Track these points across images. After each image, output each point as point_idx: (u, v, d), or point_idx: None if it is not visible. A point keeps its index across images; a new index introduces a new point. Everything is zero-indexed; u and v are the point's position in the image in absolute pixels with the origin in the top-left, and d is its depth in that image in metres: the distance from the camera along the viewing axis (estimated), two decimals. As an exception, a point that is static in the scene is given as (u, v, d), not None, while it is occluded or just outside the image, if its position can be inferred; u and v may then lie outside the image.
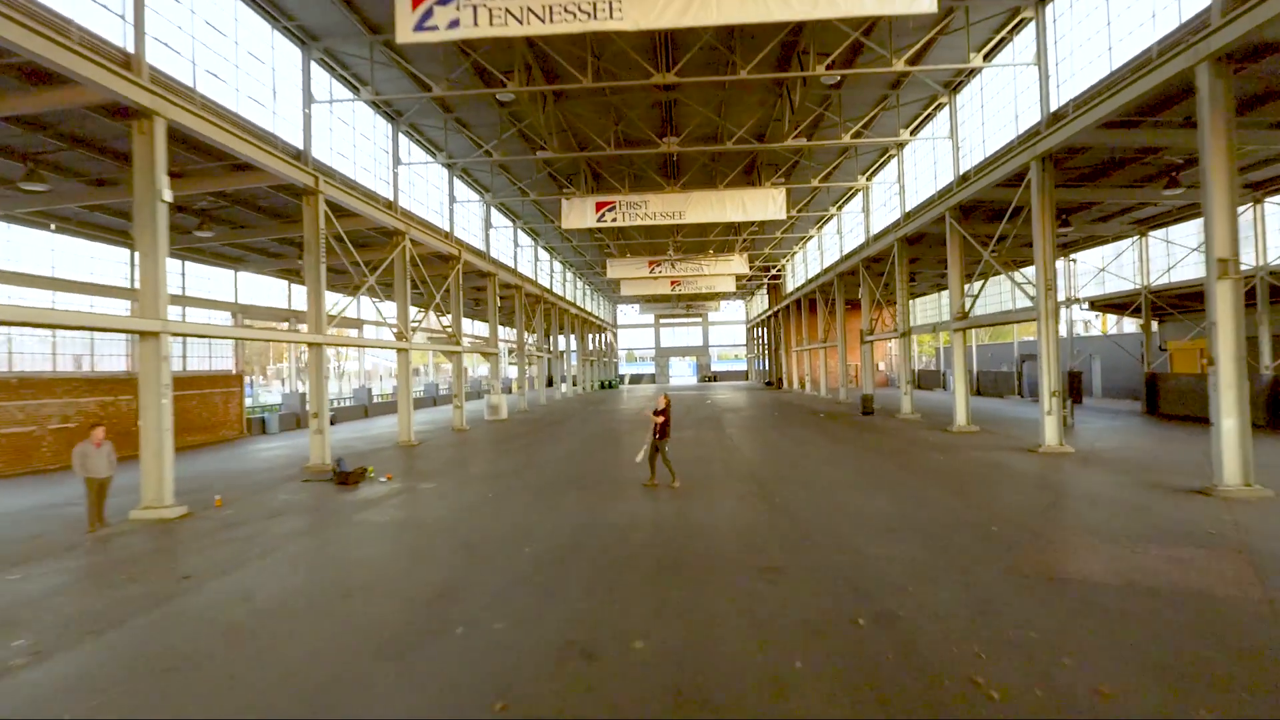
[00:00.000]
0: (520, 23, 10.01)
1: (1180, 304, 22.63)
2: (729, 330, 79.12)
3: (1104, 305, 25.82)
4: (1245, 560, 6.70)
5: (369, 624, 5.71)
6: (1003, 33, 17.15)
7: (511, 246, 34.81)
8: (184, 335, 11.36)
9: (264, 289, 27.44)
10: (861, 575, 6.51)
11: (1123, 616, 5.34)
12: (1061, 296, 27.64)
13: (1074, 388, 26.93)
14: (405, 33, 10.39)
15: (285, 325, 27.74)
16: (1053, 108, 15.55)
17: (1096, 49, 14.28)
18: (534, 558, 7.52)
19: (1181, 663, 4.53)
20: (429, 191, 24.83)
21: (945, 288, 37.58)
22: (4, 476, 15.69)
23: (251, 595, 6.59)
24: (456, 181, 26.80)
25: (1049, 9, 15.86)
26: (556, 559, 7.45)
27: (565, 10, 9.89)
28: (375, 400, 36.48)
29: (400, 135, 21.71)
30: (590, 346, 60.54)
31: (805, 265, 45.67)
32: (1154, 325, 24.06)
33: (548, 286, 42.50)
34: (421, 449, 18.70)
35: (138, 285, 20.56)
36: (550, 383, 52.82)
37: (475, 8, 9.98)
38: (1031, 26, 16.41)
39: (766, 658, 4.78)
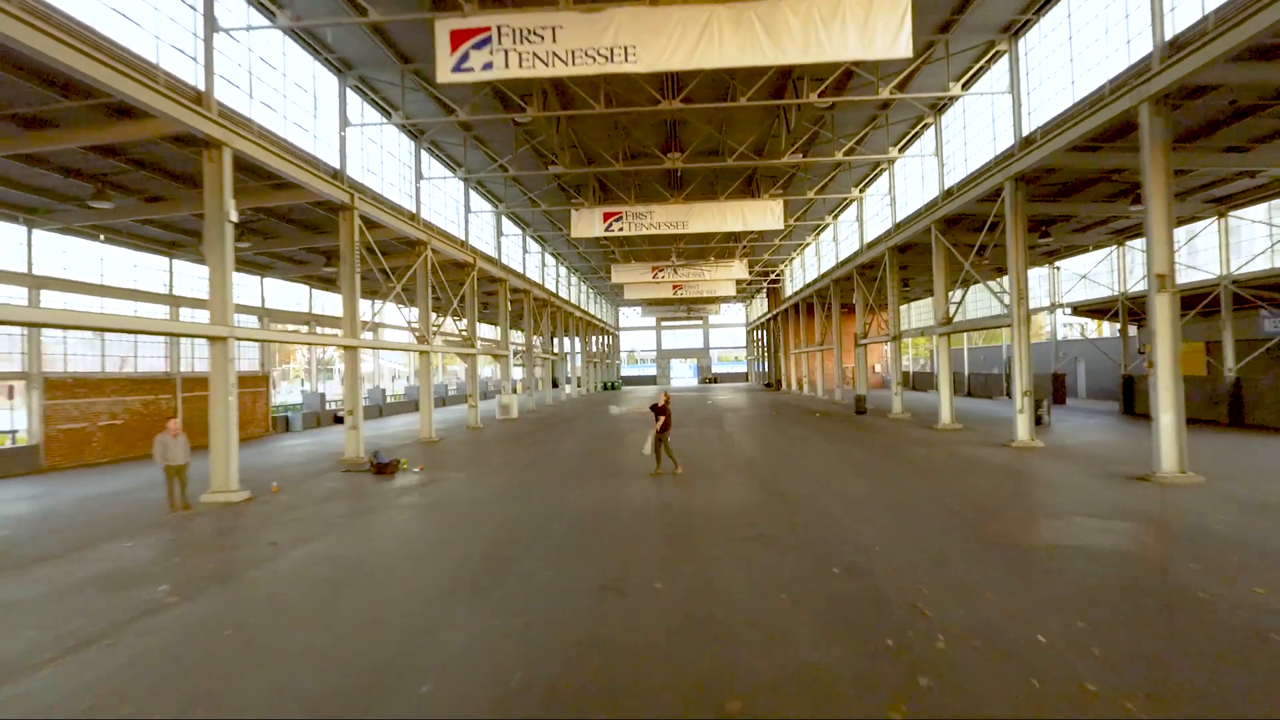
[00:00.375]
0: (546, 65, 11.37)
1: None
2: (729, 333, 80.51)
3: (1086, 311, 27.18)
4: (1157, 529, 8.06)
5: (441, 575, 7.08)
6: (981, 62, 18.56)
7: (520, 253, 36.18)
8: (246, 340, 12.66)
9: (287, 293, 28.80)
10: (839, 541, 7.87)
11: (1044, 568, 6.71)
12: (1046, 302, 29.05)
13: (1057, 389, 28.36)
14: (444, 73, 11.74)
15: (304, 328, 29.10)
16: (1025, 132, 16.96)
17: (1063, 81, 15.67)
18: (564, 529, 8.88)
19: (1075, 596, 5.89)
20: (445, 202, 26.21)
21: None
22: (61, 469, 17.06)
23: (333, 558, 7.95)
24: (471, 192, 28.18)
25: (1021, 43, 17.27)
26: (583, 530, 8.81)
27: (585, 55, 11.25)
28: (389, 400, 37.84)
29: (421, 151, 23.10)
30: (594, 349, 61.88)
31: (803, 270, 47.05)
32: (1134, 329, 25.40)
33: (554, 291, 43.88)
34: (442, 445, 20.06)
35: (177, 292, 21.94)
36: (555, 384, 54.16)
37: (506, 52, 11.34)
38: (1005, 59, 17.82)
39: (760, 596, 6.14)
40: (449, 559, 7.74)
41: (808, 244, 43.76)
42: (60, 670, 5.04)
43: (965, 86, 19.27)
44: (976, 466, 13.11)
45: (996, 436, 17.77)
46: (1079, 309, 27.20)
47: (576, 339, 56.23)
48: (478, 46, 11.41)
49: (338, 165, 17.52)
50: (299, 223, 20.56)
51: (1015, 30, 17.16)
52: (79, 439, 17.83)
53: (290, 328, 28.75)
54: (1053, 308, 28.59)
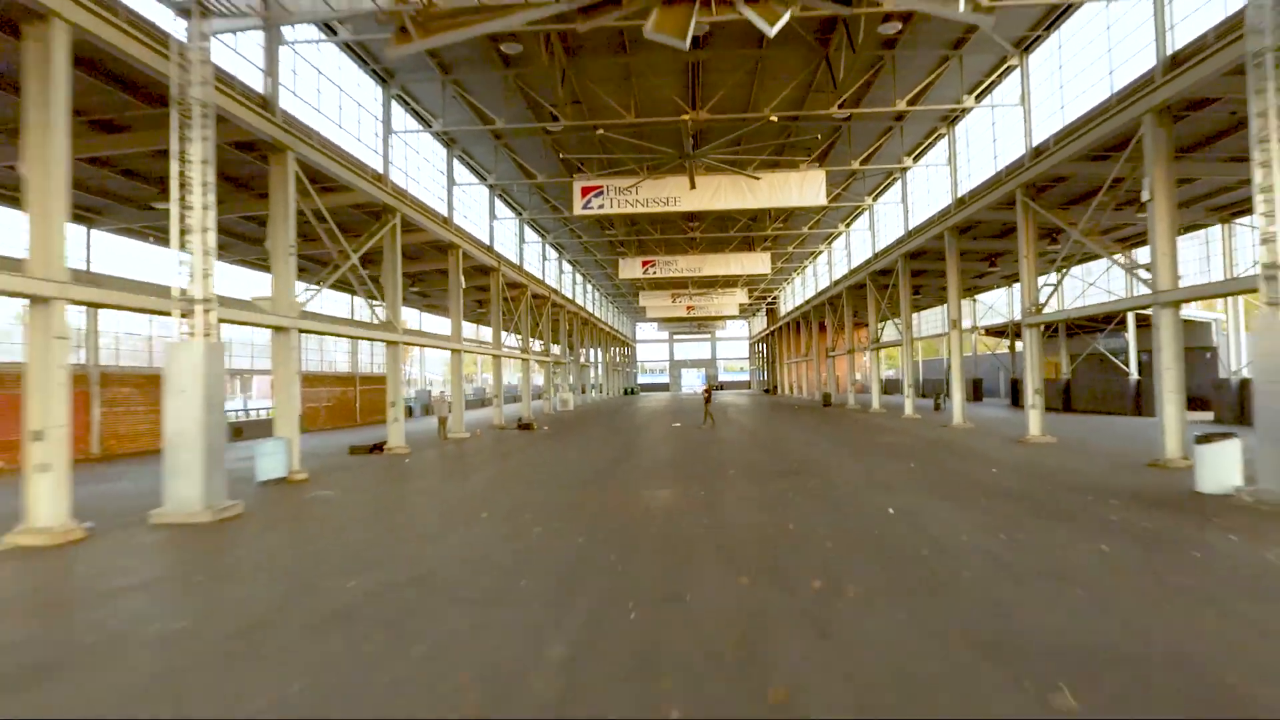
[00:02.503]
0: (630, 206, 21.09)
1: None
2: (734, 345, 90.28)
3: (994, 332, 36.85)
4: (937, 435, 17.72)
5: (596, 461, 16.83)
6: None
7: (540, 261, 46.03)
8: (413, 345, 21.98)
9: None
10: (799, 459, 17.58)
11: (911, 463, 16.38)
12: (969, 324, 38.71)
13: (976, 390, 38.08)
14: (577, 209, 21.48)
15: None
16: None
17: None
18: (644, 455, 18.62)
19: (916, 473, 15.57)
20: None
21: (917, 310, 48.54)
22: (308, 432, 26.87)
23: (539, 456, 17.68)
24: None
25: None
26: (660, 456, 18.55)
27: (653, 201, 20.96)
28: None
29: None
30: (615, 358, 71.77)
31: (794, 296, 56.87)
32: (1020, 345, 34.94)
33: (583, 304, 53.67)
34: (539, 421, 29.83)
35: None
36: (582, 389, 64.02)
37: (609, 200, 21.07)
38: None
39: (743, 451, 15.85)
40: (591, 461, 17.49)
41: (802, 269, 53.55)
42: (511, 458, 14.81)
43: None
44: (882, 428, 22.81)
45: (932, 420, 27.41)
46: (991, 330, 36.88)
47: (599, 349, 66.10)
48: (596, 195, 21.20)
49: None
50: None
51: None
52: (312, 414, 27.71)
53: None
54: (973, 329, 38.30)
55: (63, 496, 8.00)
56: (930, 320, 47.82)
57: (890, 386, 56.29)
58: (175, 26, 9.70)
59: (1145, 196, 12.28)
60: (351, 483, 12.52)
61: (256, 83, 13.34)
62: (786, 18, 8.71)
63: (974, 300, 38.41)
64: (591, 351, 63.72)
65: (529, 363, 33.92)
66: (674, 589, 5.65)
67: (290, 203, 13.28)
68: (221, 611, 5.38)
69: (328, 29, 15.54)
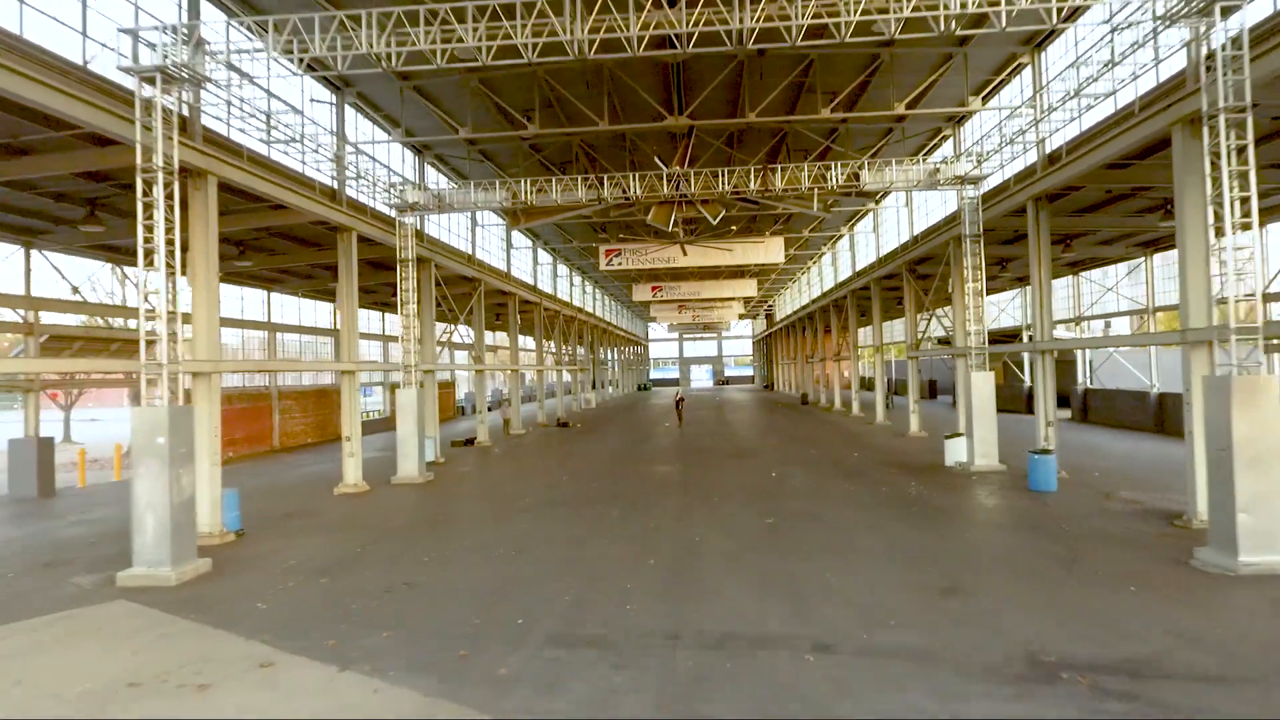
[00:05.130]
0: (639, 264, 28.97)
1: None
2: (739, 343, 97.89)
3: (941, 342, 44.28)
4: (858, 430, 25.57)
5: (617, 450, 24.90)
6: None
7: (584, 294, 54.00)
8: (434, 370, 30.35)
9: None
10: (749, 447, 25.49)
11: (813, 450, 24.29)
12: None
13: (932, 390, 45.73)
14: (602, 265, 29.37)
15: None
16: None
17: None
18: (647, 445, 26.66)
19: (813, 442, 23.49)
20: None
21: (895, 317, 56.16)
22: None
23: (581, 448, 25.75)
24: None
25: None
26: (659, 446, 26.58)
27: (658, 259, 28.77)
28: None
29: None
30: (630, 358, 79.77)
31: (789, 303, 64.41)
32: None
33: (602, 316, 61.63)
34: (570, 419, 37.99)
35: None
36: (597, 386, 72.27)
37: (625, 259, 28.99)
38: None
39: (708, 462, 23.81)
40: (615, 449, 25.55)
41: (794, 280, 61.05)
42: (562, 448, 22.94)
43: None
44: (826, 424, 30.64)
45: (858, 416, 35.15)
46: (939, 341, 44.35)
47: (615, 350, 74.13)
48: (616, 255, 29.14)
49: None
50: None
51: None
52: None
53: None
54: (919, 343, 45.73)
55: (358, 468, 16.16)
56: (898, 328, 55.24)
57: (872, 384, 63.81)
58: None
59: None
60: (474, 462, 20.70)
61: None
62: (722, 214, 16.68)
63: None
64: (609, 353, 71.82)
65: (562, 372, 42.17)
66: (660, 493, 13.66)
67: (431, 292, 21.39)
68: (469, 507, 13.49)
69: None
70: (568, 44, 9.21)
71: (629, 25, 9.20)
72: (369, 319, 34.42)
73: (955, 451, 17.00)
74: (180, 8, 12.52)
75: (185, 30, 9.68)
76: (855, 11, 9.33)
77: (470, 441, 25.59)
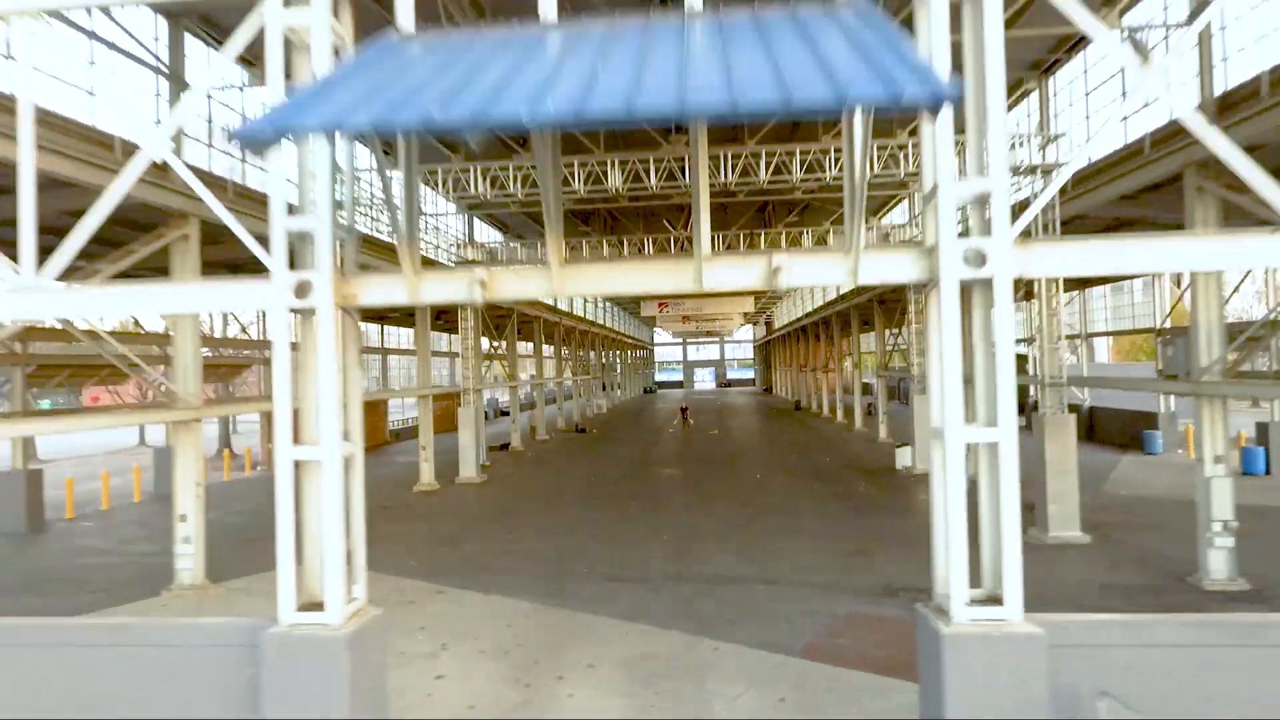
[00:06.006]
0: (674, 317, 33.50)
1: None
2: (741, 348, 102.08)
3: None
4: (838, 437, 29.86)
5: (633, 453, 29.23)
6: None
7: (587, 304, 58.33)
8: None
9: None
10: (741, 451, 29.78)
11: (794, 455, 28.57)
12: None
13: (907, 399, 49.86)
14: (648, 311, 33.88)
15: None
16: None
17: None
18: (656, 449, 30.96)
19: (794, 446, 27.77)
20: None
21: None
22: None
23: (599, 451, 30.06)
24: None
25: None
26: (666, 450, 30.90)
27: (689, 304, 33.11)
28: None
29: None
30: (635, 362, 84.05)
31: (787, 312, 68.57)
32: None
33: (610, 325, 65.87)
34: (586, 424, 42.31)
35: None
36: (607, 389, 76.63)
37: (665, 311, 33.65)
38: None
39: (705, 464, 28.10)
40: (630, 452, 29.88)
41: (794, 290, 65.15)
42: (584, 452, 27.30)
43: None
44: (812, 430, 34.92)
45: (842, 423, 39.37)
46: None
47: (622, 355, 78.40)
48: (659, 307, 33.70)
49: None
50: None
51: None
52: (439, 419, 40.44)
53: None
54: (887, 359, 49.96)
55: (431, 471, 20.50)
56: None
57: (866, 389, 67.99)
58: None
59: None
60: (513, 465, 25.07)
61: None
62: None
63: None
64: (618, 358, 76.16)
65: (577, 379, 46.48)
66: (668, 492, 17.94)
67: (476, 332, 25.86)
68: (524, 502, 17.84)
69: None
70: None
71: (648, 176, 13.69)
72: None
73: (904, 457, 21.24)
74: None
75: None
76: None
77: (505, 447, 29.93)
